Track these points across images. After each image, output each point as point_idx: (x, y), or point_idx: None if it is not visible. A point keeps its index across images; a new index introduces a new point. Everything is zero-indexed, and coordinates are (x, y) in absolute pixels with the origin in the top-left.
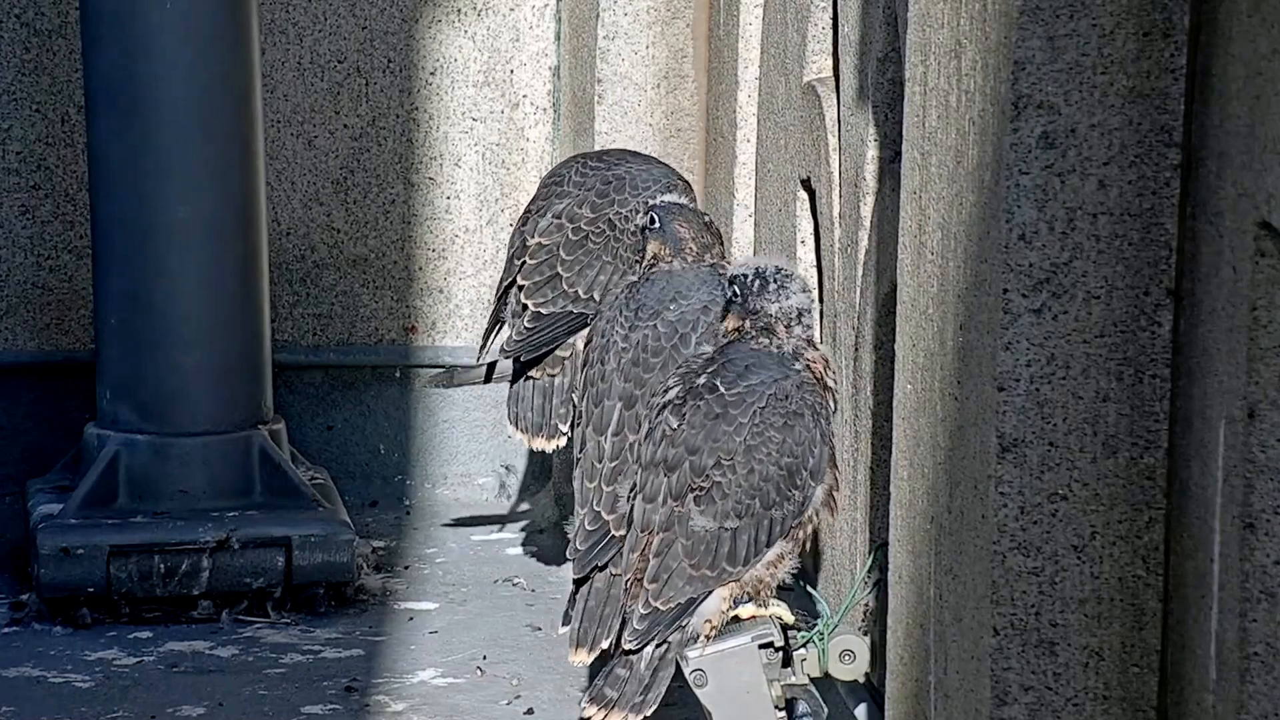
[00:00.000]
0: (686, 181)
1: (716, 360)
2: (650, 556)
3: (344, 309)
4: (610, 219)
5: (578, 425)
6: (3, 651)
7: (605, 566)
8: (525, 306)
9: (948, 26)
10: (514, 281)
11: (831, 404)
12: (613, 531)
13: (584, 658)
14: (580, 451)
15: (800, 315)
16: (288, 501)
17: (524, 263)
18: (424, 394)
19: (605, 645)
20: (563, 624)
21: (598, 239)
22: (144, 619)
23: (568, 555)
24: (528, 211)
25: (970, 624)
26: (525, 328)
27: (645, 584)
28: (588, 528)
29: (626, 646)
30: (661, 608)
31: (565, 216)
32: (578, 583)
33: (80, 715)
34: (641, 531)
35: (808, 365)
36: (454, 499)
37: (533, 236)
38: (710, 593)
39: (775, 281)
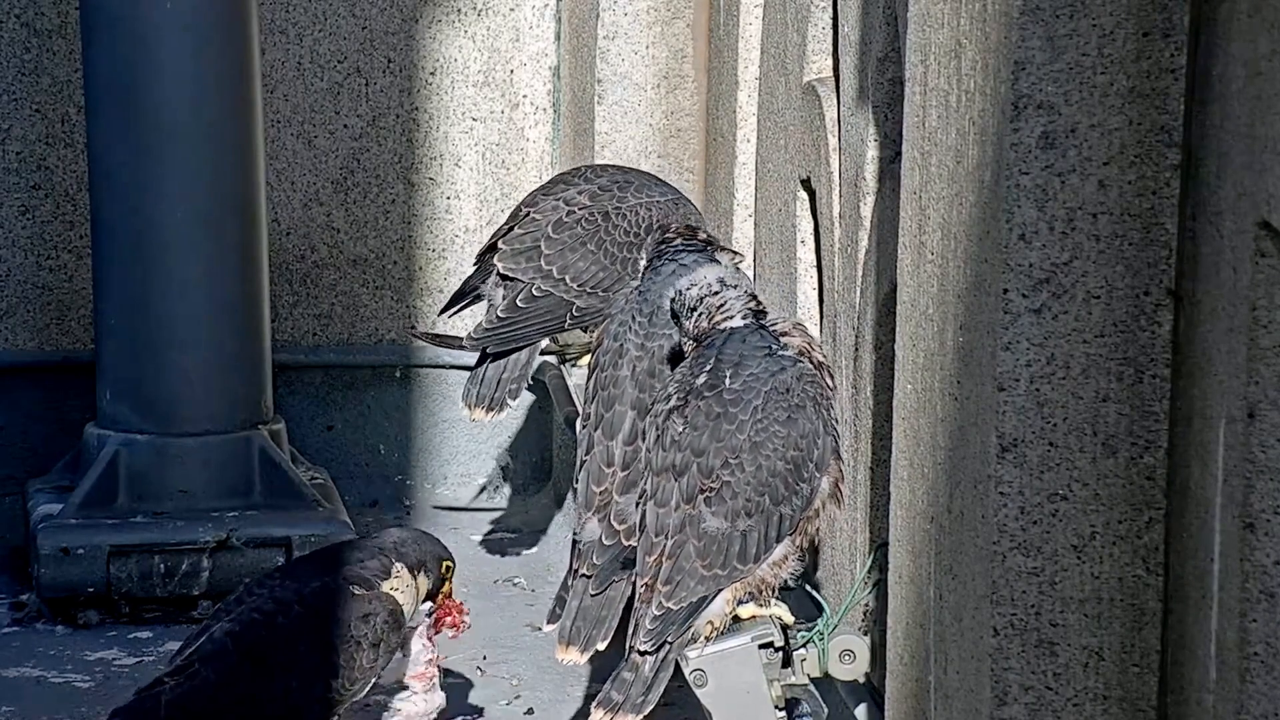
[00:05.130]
0: (699, 216)
1: (709, 357)
2: (663, 560)
3: (344, 309)
4: (607, 211)
5: (584, 426)
6: (3, 651)
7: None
8: (505, 277)
9: (948, 26)
10: (494, 245)
11: (830, 382)
12: (623, 543)
13: (575, 657)
14: (586, 454)
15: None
16: (288, 501)
17: (511, 228)
18: (424, 394)
19: (601, 647)
20: (549, 621)
21: (588, 225)
22: (144, 619)
23: (583, 571)
24: (535, 191)
25: (970, 624)
26: (498, 317)
27: (659, 587)
28: (604, 543)
29: (641, 649)
30: (674, 608)
31: (564, 199)
32: (593, 596)
33: (80, 715)
34: (655, 536)
35: (800, 351)
36: (454, 499)
37: (530, 207)
38: (719, 592)
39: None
